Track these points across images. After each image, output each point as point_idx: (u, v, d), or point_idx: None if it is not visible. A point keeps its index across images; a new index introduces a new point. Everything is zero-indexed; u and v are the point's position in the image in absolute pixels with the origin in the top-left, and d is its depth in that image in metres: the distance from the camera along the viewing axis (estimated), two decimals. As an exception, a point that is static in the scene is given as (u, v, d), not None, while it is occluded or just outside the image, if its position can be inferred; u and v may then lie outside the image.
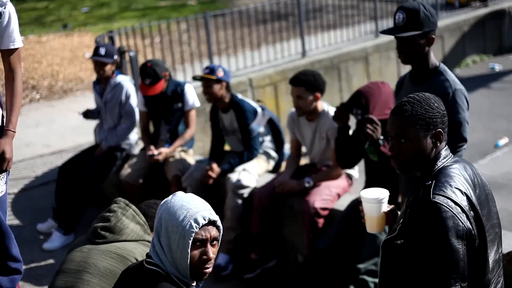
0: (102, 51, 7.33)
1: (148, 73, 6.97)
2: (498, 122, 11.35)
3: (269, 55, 11.63)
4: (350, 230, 5.47)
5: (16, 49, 4.35)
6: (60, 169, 7.58)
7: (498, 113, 11.86)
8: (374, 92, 5.33)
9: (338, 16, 13.79)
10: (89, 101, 10.41)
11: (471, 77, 13.95)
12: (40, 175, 9.18)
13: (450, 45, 14.49)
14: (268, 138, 6.91)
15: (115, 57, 7.38)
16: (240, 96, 6.87)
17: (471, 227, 2.99)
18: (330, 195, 5.94)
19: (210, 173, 6.60)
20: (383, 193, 3.38)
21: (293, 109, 6.34)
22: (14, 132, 4.20)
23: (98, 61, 7.33)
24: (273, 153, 6.92)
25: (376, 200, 3.36)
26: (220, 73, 6.65)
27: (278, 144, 6.97)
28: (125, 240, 3.80)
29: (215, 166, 6.63)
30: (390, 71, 13.20)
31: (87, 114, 7.84)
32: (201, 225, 2.93)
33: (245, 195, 6.48)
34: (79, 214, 7.22)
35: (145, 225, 3.89)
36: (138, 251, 3.73)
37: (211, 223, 2.99)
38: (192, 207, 2.96)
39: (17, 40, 4.33)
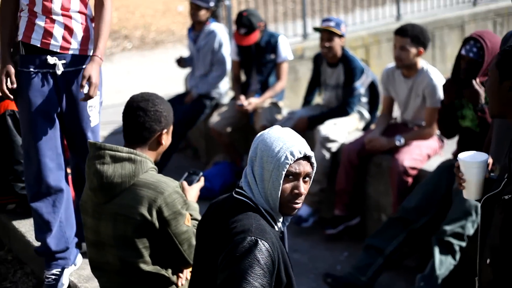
0: None
1: (243, 23, 6.95)
2: None
3: (363, 18, 11.47)
4: (439, 191, 5.37)
5: None
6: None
7: None
8: (494, 37, 5.09)
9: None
10: (180, 53, 10.46)
11: None
12: (126, 121, 9.29)
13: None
14: (365, 99, 6.81)
15: (211, 3, 7.37)
16: (350, 52, 6.78)
17: None
18: (420, 154, 5.83)
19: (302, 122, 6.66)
20: (484, 157, 3.21)
21: (389, 65, 6.23)
22: (101, 59, 4.18)
23: (193, 4, 7.35)
24: (367, 114, 6.83)
25: (479, 164, 3.18)
26: (344, 29, 6.61)
27: (373, 105, 6.86)
28: (122, 191, 3.33)
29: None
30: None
31: (181, 62, 7.86)
32: (296, 158, 2.89)
33: (333, 149, 6.43)
34: (165, 160, 7.27)
35: (131, 155, 3.35)
36: (141, 199, 3.31)
37: (306, 158, 2.94)
38: (290, 140, 2.92)
39: None
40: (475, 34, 5.06)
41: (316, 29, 6.82)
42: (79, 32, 4.20)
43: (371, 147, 6.05)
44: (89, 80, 4.07)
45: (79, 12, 4.20)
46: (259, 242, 2.76)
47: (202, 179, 3.80)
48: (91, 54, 4.23)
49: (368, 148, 6.07)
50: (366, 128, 6.88)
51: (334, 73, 6.76)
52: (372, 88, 6.81)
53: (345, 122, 6.60)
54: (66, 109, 4.24)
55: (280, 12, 12.84)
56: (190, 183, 3.79)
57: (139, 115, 3.40)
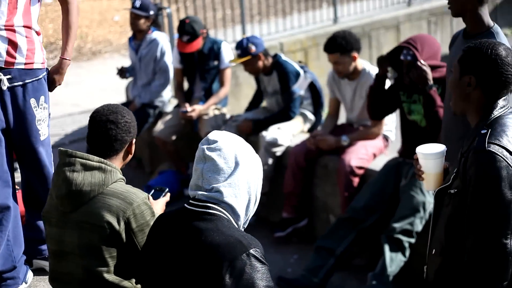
0: (137, 3, 7.33)
1: (186, 30, 6.94)
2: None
3: (300, 21, 11.55)
4: (386, 190, 5.45)
5: None
6: (93, 124, 7.57)
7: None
8: (428, 39, 5.24)
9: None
10: (118, 63, 10.40)
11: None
12: (69, 133, 9.21)
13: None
14: (307, 101, 6.86)
15: (151, 12, 7.34)
16: (283, 57, 6.81)
17: None
18: (366, 154, 5.91)
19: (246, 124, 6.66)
20: (441, 148, 3.27)
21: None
22: (69, 60, 4.24)
23: (133, 13, 7.34)
24: (311, 115, 6.88)
25: (436, 155, 3.25)
26: (252, 49, 6.57)
27: (316, 106, 6.91)
28: (90, 199, 3.28)
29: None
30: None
31: (122, 72, 7.78)
32: None
33: (278, 153, 6.47)
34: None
35: (102, 164, 3.29)
36: (109, 208, 3.25)
37: None
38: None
39: None
40: (405, 43, 5.22)
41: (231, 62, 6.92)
42: (23, 46, 4.14)
43: (317, 145, 6.07)
44: (53, 81, 4.19)
45: (24, 26, 4.15)
46: (257, 251, 2.80)
47: (168, 194, 3.77)
48: (36, 67, 4.18)
49: (315, 144, 6.08)
50: (312, 130, 6.92)
51: (270, 80, 6.82)
52: (313, 89, 6.86)
53: (289, 126, 6.64)
54: (14, 125, 4.16)
55: (219, 17, 12.85)
56: (155, 199, 3.77)
57: (110, 128, 3.39)
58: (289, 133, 6.58)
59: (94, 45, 13.84)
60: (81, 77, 12.11)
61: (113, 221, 3.23)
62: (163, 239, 2.99)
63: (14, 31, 4.10)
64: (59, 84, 4.23)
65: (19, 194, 4.48)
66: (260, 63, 6.65)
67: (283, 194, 6.38)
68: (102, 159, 3.34)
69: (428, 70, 4.91)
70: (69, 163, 3.33)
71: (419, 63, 4.92)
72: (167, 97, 7.67)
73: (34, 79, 4.18)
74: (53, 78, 4.16)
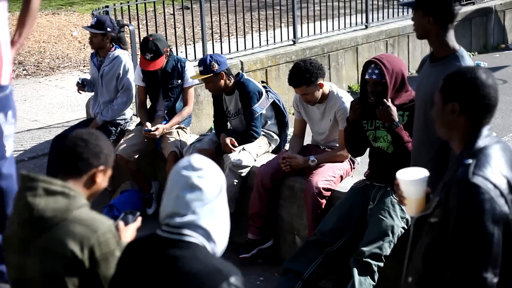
0: (93, 21, 7.30)
1: (149, 48, 6.87)
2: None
3: (260, 41, 11.57)
4: (354, 212, 5.42)
5: None
6: (53, 142, 7.47)
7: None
8: (395, 59, 5.24)
9: (329, 7, 13.75)
10: (76, 79, 10.32)
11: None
12: (28, 149, 9.11)
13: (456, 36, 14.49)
14: (271, 121, 6.84)
15: (108, 29, 7.27)
16: (246, 76, 6.78)
17: (508, 212, 2.88)
18: (333, 176, 5.87)
19: (231, 142, 6.54)
20: (424, 173, 3.24)
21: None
22: (22, 44, 4.51)
23: (89, 31, 7.30)
24: (275, 136, 6.85)
25: (417, 181, 3.22)
26: (215, 67, 6.50)
27: (280, 126, 6.89)
28: (53, 226, 3.15)
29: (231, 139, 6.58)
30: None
31: (83, 85, 7.64)
32: None
33: (243, 174, 6.42)
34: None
35: (65, 189, 3.18)
36: (73, 235, 3.14)
37: None
38: None
39: None
40: (373, 58, 5.19)
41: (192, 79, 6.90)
42: None
43: (287, 164, 6.02)
44: None
45: None
46: (237, 279, 2.78)
47: (139, 219, 3.62)
48: (4, 83, 4.11)
49: (284, 164, 6.03)
50: (277, 150, 6.91)
51: (232, 100, 6.77)
52: (276, 109, 6.84)
53: (253, 147, 6.60)
54: None
55: (179, 35, 12.81)
56: (126, 223, 3.65)
57: (78, 145, 3.27)
58: (254, 154, 6.54)
59: (52, 60, 13.72)
60: (40, 92, 12.01)
61: (76, 249, 3.10)
62: (134, 268, 2.91)
63: None
64: None
65: None
66: (222, 82, 6.60)
67: (248, 215, 6.33)
68: (66, 184, 3.21)
69: (394, 109, 4.95)
70: (30, 188, 3.19)
71: (384, 101, 4.94)
72: (129, 115, 7.60)
73: (2, 94, 4.11)
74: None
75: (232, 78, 6.66)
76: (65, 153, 3.30)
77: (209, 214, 2.87)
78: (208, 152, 6.50)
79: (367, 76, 5.14)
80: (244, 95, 6.58)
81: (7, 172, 4.24)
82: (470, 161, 2.93)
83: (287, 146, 6.81)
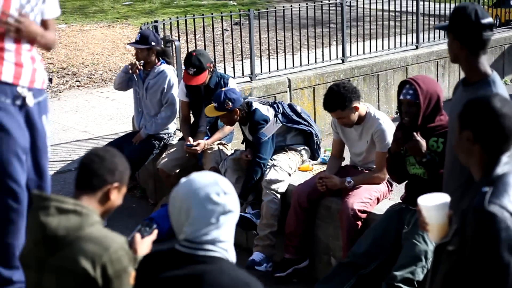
0: (137, 37, 7.40)
1: (192, 63, 6.95)
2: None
3: (309, 59, 11.60)
4: (388, 236, 5.39)
5: (51, 19, 4.53)
6: (98, 153, 7.57)
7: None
8: (430, 80, 5.21)
9: (379, 26, 13.73)
10: (128, 92, 10.45)
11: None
12: (76, 159, 9.24)
13: (489, 62, 14.38)
14: (290, 134, 6.86)
15: (152, 43, 7.37)
16: (255, 104, 6.74)
17: None
18: (370, 198, 5.86)
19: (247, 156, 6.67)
20: (445, 198, 3.24)
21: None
22: (42, 37, 4.37)
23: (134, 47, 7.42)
24: (301, 147, 6.89)
25: (439, 206, 3.22)
26: (229, 105, 6.52)
27: (306, 136, 6.92)
28: (66, 244, 3.18)
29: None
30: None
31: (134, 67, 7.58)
32: None
33: (279, 190, 6.44)
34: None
35: (77, 207, 3.22)
36: (85, 253, 3.16)
37: None
38: None
39: (57, 9, 4.55)
40: (408, 78, 5.18)
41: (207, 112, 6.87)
42: (28, 66, 4.29)
43: (323, 184, 6.04)
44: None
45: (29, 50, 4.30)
46: None
47: (155, 231, 3.64)
48: (44, 87, 4.34)
49: (320, 184, 6.05)
50: (315, 155, 6.99)
51: (246, 129, 6.84)
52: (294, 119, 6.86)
53: (283, 161, 6.63)
54: (31, 143, 4.29)
55: (228, 51, 12.91)
56: (142, 236, 3.68)
57: (94, 161, 3.31)
58: (286, 168, 6.57)
59: (105, 72, 13.93)
60: (91, 103, 12.21)
61: (89, 267, 3.11)
62: (157, 283, 2.93)
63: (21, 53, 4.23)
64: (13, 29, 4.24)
65: None
66: (236, 117, 6.65)
67: (285, 234, 6.34)
68: (78, 202, 3.24)
69: (422, 142, 4.92)
70: (43, 207, 3.23)
71: (414, 135, 4.93)
72: (173, 129, 7.69)
73: (44, 96, 4.32)
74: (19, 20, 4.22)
75: (245, 110, 6.68)
76: (81, 169, 3.35)
77: (228, 227, 2.91)
78: (242, 157, 6.69)
79: (401, 97, 5.12)
80: (252, 125, 6.64)
81: (47, 172, 4.44)
82: (487, 189, 2.91)
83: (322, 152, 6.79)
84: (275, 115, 6.67)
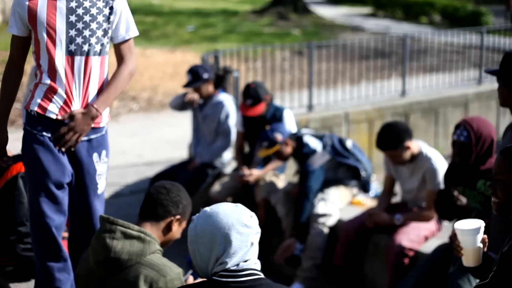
0: (189, 77, 7.55)
1: (250, 94, 7.06)
2: None
3: (368, 91, 11.60)
4: (435, 274, 5.38)
5: (127, 40, 4.37)
6: (153, 179, 7.73)
7: None
8: (484, 122, 5.22)
9: (441, 60, 13.66)
10: (185, 117, 10.57)
11: None
12: (131, 183, 9.37)
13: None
14: (342, 169, 6.93)
15: (204, 76, 7.48)
16: (305, 137, 6.82)
17: None
18: (418, 236, 5.87)
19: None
20: (479, 223, 3.32)
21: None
22: (97, 111, 4.20)
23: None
24: (352, 182, 6.94)
25: (474, 231, 3.30)
26: (279, 138, 6.63)
27: (357, 171, 6.96)
28: (127, 267, 3.37)
29: None
30: (490, 121, 12.98)
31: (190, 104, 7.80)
32: None
33: (327, 223, 6.49)
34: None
35: (141, 234, 3.41)
36: (144, 278, 3.34)
37: None
38: None
39: (130, 30, 4.37)
40: (463, 120, 5.23)
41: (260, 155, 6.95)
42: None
43: (371, 220, 6.07)
44: (71, 119, 4.15)
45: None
46: None
47: None
48: (101, 126, 4.30)
49: (369, 221, 6.09)
50: (365, 189, 7.03)
51: (296, 161, 6.92)
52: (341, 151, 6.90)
53: (332, 194, 6.71)
54: (75, 178, 4.29)
55: (287, 81, 13.00)
56: (195, 278, 3.76)
57: (161, 192, 3.52)
58: (335, 201, 6.64)
59: (164, 97, 14.10)
60: (148, 128, 12.36)
61: None
62: None
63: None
64: (75, 137, 4.19)
65: (65, 243, 4.58)
66: (289, 149, 6.73)
67: (331, 267, 6.36)
68: (142, 229, 3.43)
69: (463, 200, 4.90)
70: (110, 230, 3.43)
71: (454, 194, 4.92)
72: (227, 158, 7.78)
73: (99, 134, 4.31)
74: (69, 126, 4.16)
75: (295, 144, 6.77)
76: (147, 199, 3.53)
77: (256, 247, 3.02)
78: (293, 191, 6.78)
79: (455, 137, 5.16)
80: (301, 156, 6.74)
81: (95, 209, 4.42)
82: None
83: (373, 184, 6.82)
84: (324, 147, 6.73)
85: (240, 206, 3.05)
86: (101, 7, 4.19)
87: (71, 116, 4.17)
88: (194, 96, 7.67)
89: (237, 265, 2.96)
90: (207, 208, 3.04)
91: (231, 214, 2.98)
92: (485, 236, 3.34)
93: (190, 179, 7.49)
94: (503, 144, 4.38)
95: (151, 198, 3.57)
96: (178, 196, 3.57)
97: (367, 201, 7.06)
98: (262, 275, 2.99)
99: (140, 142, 11.43)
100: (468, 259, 3.36)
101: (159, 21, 23.02)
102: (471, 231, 3.30)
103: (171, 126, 12.35)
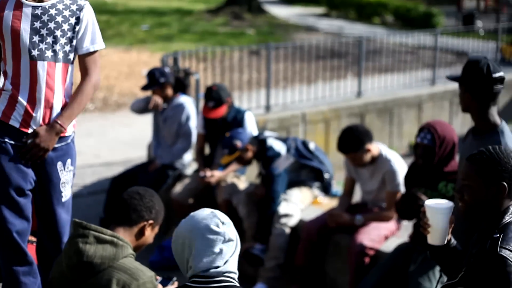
0: (147, 80, 7.64)
1: (212, 96, 7.11)
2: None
3: (324, 91, 11.71)
4: (395, 273, 5.50)
5: (92, 52, 4.36)
6: (113, 180, 7.73)
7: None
8: (448, 128, 5.36)
9: (395, 60, 13.86)
10: (141, 117, 10.56)
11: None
12: (88, 184, 9.35)
13: (504, 101, 14.45)
14: (304, 171, 7.02)
15: (161, 80, 7.54)
16: (269, 140, 6.90)
17: None
18: (378, 235, 5.98)
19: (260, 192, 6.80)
20: (449, 204, 3.41)
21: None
22: (61, 126, 4.17)
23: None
24: (313, 183, 7.04)
25: (445, 210, 3.38)
26: (239, 144, 6.72)
27: (319, 172, 7.05)
28: (100, 271, 3.40)
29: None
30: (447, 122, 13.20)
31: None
32: None
33: (289, 224, 6.57)
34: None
35: (114, 239, 3.45)
36: (116, 282, 3.38)
37: None
38: None
39: (96, 43, 4.36)
40: (427, 124, 5.38)
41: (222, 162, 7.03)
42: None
43: (332, 222, 6.17)
44: (34, 138, 4.11)
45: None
46: None
47: (176, 283, 3.81)
48: (66, 135, 4.29)
49: (330, 222, 6.18)
50: (327, 190, 7.13)
51: (260, 164, 7.00)
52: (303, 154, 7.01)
53: (294, 195, 6.80)
54: (38, 186, 4.28)
55: (244, 81, 13.06)
56: (164, 285, 3.78)
57: (134, 197, 3.56)
58: (297, 202, 6.74)
59: (120, 97, 14.08)
60: (105, 128, 12.33)
61: None
62: None
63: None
64: (41, 153, 4.16)
65: (32, 247, 4.57)
66: (250, 154, 6.81)
67: (293, 267, 6.45)
68: (115, 234, 3.47)
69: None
70: (82, 235, 3.46)
71: (418, 195, 5.11)
72: (188, 160, 7.81)
73: (63, 143, 4.30)
74: (33, 142, 4.12)
75: (256, 147, 6.84)
76: (120, 204, 3.57)
77: (235, 258, 3.14)
78: (256, 193, 6.84)
79: (418, 140, 5.30)
80: (265, 160, 6.82)
81: (60, 217, 4.41)
82: (497, 235, 3.12)
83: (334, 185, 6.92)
84: (288, 150, 6.80)
85: (215, 212, 3.16)
86: (67, 15, 4.21)
87: (35, 134, 4.14)
88: (158, 100, 7.68)
89: (206, 271, 3.04)
90: (191, 213, 3.17)
91: (202, 219, 3.11)
92: (453, 216, 3.44)
93: (151, 181, 7.50)
94: (464, 148, 4.50)
95: (124, 204, 3.60)
96: (151, 201, 3.62)
97: (327, 202, 7.15)
98: (235, 283, 3.07)
99: (96, 143, 11.40)
100: (434, 238, 3.43)
101: (113, 20, 22.91)
102: (442, 209, 3.38)
103: (127, 126, 12.34)
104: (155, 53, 17.68)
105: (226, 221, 3.15)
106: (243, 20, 23.49)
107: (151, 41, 19.63)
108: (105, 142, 11.49)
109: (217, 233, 3.08)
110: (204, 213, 3.15)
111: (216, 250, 3.06)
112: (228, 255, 3.09)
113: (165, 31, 21.44)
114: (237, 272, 3.14)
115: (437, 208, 3.39)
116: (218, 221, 3.12)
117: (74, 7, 4.26)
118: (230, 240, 3.10)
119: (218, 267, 3.06)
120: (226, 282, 3.05)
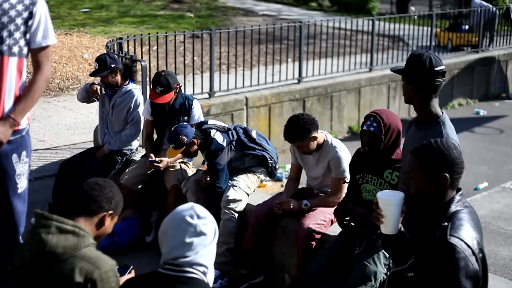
0: (96, 65, 7.66)
1: (160, 82, 7.20)
2: (479, 166, 11.69)
3: (266, 76, 11.87)
4: (341, 256, 5.71)
5: (44, 47, 4.47)
6: (61, 166, 7.78)
7: (479, 158, 12.21)
8: (394, 117, 5.56)
9: (333, 45, 14.07)
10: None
11: (456, 119, 14.28)
12: (34, 169, 9.34)
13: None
14: (248, 158, 7.17)
15: (112, 65, 7.61)
16: (213, 132, 7.00)
17: (478, 269, 3.29)
18: (324, 220, 6.18)
19: (206, 180, 6.93)
20: (401, 194, 3.58)
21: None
22: (16, 121, 4.28)
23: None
24: (259, 169, 7.20)
25: (397, 201, 3.54)
26: (184, 139, 6.82)
27: (263, 158, 7.21)
28: (62, 261, 3.47)
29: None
30: (381, 105, 13.54)
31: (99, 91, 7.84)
32: None
33: (237, 209, 6.75)
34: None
35: (76, 229, 3.52)
36: (79, 271, 3.45)
37: None
38: None
39: (48, 38, 4.46)
40: (373, 112, 5.57)
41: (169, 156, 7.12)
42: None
43: (280, 208, 6.37)
44: None
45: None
46: None
47: (133, 272, 3.93)
48: (21, 128, 4.36)
49: (277, 209, 6.38)
50: (272, 175, 7.31)
51: (204, 155, 7.15)
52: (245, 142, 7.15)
53: (242, 181, 6.96)
54: None
55: (187, 65, 13.13)
56: (121, 275, 3.86)
57: (94, 189, 3.66)
58: (244, 188, 6.90)
59: (62, 81, 14.01)
60: (48, 112, 12.29)
61: (81, 282, 3.41)
62: None
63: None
64: None
65: None
66: (195, 147, 6.95)
67: (241, 251, 6.63)
68: (77, 224, 3.57)
69: (361, 210, 5.43)
70: (45, 225, 3.53)
71: (350, 207, 5.44)
72: (135, 146, 7.91)
73: (18, 136, 4.38)
74: None
75: (202, 137, 6.97)
76: (80, 195, 3.68)
77: (208, 253, 3.30)
78: (202, 181, 6.95)
79: (365, 127, 5.49)
80: (208, 153, 6.96)
81: (16, 207, 4.49)
82: (445, 223, 3.34)
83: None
84: (230, 143, 6.95)
85: (195, 206, 3.35)
86: (20, 10, 4.26)
87: None
88: (96, 87, 7.76)
89: (175, 259, 3.25)
90: (196, 205, 3.38)
91: (181, 210, 3.31)
92: (404, 206, 3.61)
93: (99, 167, 7.60)
94: (407, 139, 4.72)
95: (85, 194, 3.71)
96: (111, 192, 3.72)
97: (272, 185, 7.32)
98: (201, 276, 3.25)
99: (40, 127, 11.37)
100: (387, 227, 3.58)
101: (51, 2, 22.67)
102: (395, 200, 3.54)
103: (71, 111, 12.33)
104: (96, 36, 17.61)
105: (203, 216, 3.31)
106: (182, 2, 23.50)
107: (92, 24, 19.51)
108: (49, 126, 11.46)
109: (189, 224, 3.26)
110: (186, 206, 3.35)
111: (187, 240, 3.25)
112: (199, 248, 3.26)
113: (104, 14, 21.32)
114: (209, 267, 3.30)
115: (390, 199, 3.55)
116: (194, 213, 3.29)
117: (27, 1, 4.32)
118: (202, 233, 3.27)
119: (187, 257, 3.24)
120: (192, 274, 3.24)
